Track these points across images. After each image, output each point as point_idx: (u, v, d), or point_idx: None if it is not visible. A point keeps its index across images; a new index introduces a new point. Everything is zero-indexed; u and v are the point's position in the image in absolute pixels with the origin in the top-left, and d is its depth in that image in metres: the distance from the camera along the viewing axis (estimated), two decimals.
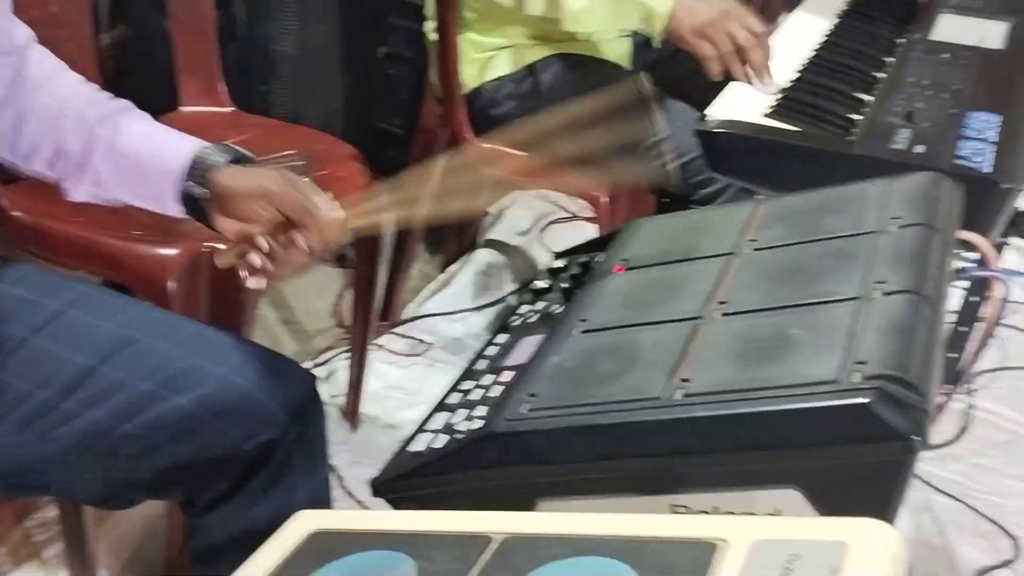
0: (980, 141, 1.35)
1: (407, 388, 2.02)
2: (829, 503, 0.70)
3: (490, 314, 2.25)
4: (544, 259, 2.35)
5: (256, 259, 1.00)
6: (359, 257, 1.87)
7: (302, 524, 0.75)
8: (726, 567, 0.61)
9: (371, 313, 1.93)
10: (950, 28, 1.80)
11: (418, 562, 0.68)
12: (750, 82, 1.61)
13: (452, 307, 2.27)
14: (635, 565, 0.63)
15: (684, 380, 0.76)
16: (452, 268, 2.45)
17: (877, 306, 0.78)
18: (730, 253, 0.94)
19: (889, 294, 0.79)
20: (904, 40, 1.76)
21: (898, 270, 0.82)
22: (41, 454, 0.99)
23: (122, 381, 1.00)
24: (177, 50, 1.78)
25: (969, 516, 1.77)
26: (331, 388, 1.97)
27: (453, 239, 2.50)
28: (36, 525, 1.65)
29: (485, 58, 1.89)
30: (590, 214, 1.99)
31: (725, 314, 0.84)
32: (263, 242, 0.99)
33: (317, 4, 2.19)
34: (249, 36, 2.12)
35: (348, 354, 1.95)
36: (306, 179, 1.05)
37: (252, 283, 1.05)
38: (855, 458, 0.69)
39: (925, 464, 2.02)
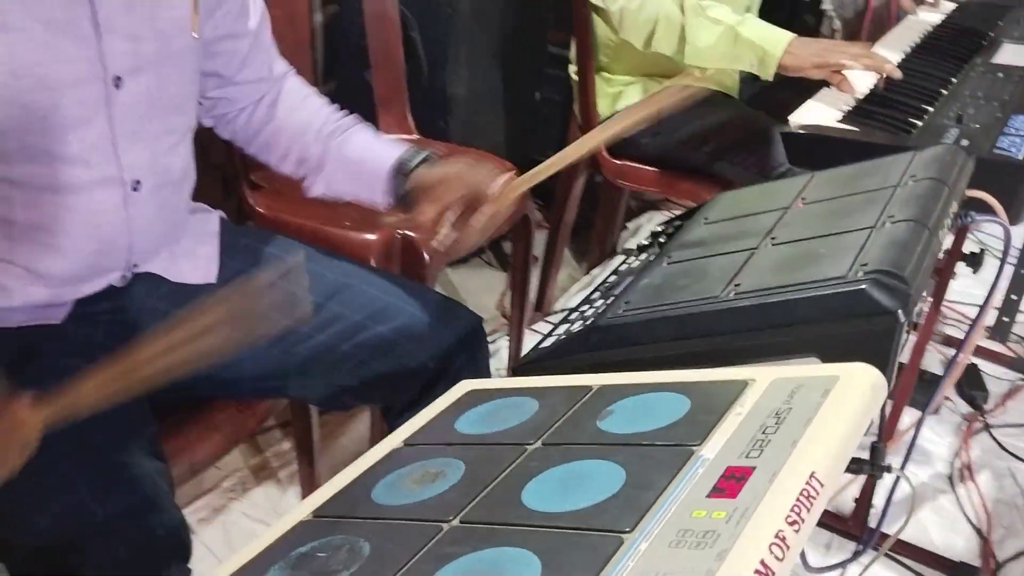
0: (1018, 137, 1.43)
1: None
2: None
3: None
4: None
5: (449, 232, 1.12)
6: (515, 263, 2.07)
7: (463, 387, 0.94)
8: (750, 395, 0.76)
9: (526, 305, 2.13)
10: (1010, 54, 1.87)
11: (539, 402, 0.86)
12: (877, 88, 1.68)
13: None
14: (688, 395, 0.79)
15: (736, 285, 0.92)
16: (594, 271, 2.64)
17: (885, 230, 0.93)
18: (785, 207, 1.09)
19: (896, 222, 0.93)
20: (968, 64, 1.85)
21: (906, 208, 0.96)
22: (284, 365, 1.18)
23: (340, 314, 1.19)
24: (376, 92, 2.02)
25: None
26: (496, 363, 2.17)
27: (596, 248, 2.68)
28: (272, 455, 1.91)
29: (616, 92, 2.05)
30: None
31: (774, 244, 0.99)
32: (452, 213, 1.11)
33: (484, 58, 2.38)
34: (431, 82, 2.33)
35: (509, 337, 2.16)
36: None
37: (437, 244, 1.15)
38: (858, 329, 0.83)
39: (1009, 437, 2.07)
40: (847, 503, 1.76)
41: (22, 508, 0.93)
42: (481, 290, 2.50)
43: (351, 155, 1.23)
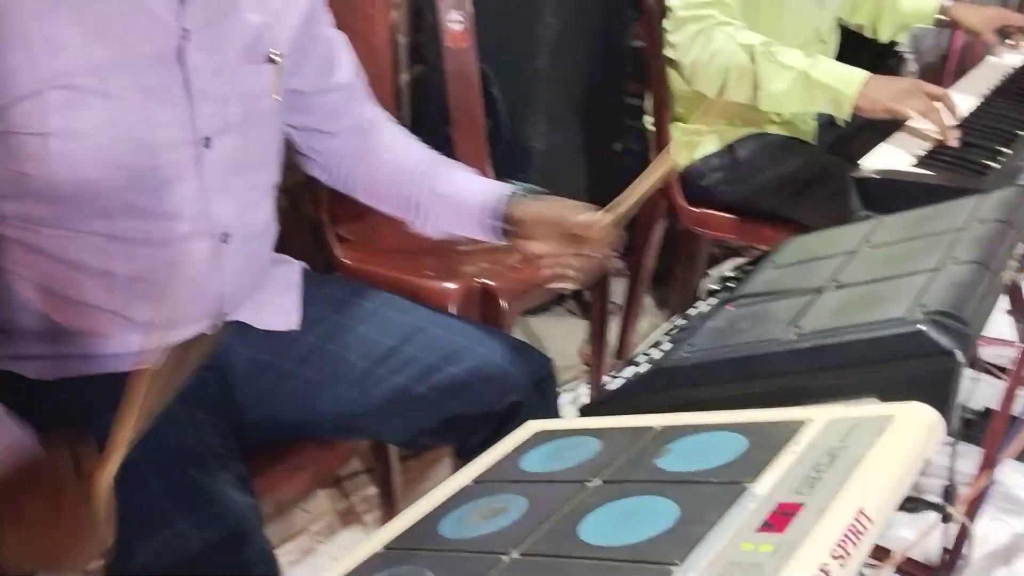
0: None
1: None
2: None
3: None
4: None
5: (551, 271, 1.17)
6: (593, 311, 2.10)
7: (530, 427, 0.98)
8: (806, 434, 0.77)
9: (604, 351, 2.15)
10: None
11: (602, 441, 0.88)
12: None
13: None
14: (746, 435, 0.80)
15: (798, 327, 0.93)
16: (675, 319, 2.64)
17: (947, 272, 0.93)
18: (852, 251, 1.10)
19: (958, 264, 0.94)
20: None
21: (969, 250, 0.96)
22: (362, 406, 1.23)
23: (415, 356, 1.23)
24: (457, 148, 2.07)
25: None
26: (575, 409, 2.19)
27: (677, 296, 2.69)
28: (359, 500, 1.96)
29: (693, 142, 2.08)
30: None
31: (837, 287, 1.00)
32: (553, 255, 1.16)
33: (563, 112, 2.44)
34: (511, 137, 2.40)
35: (589, 384, 2.18)
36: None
37: (556, 285, 1.21)
38: (916, 370, 0.83)
39: None
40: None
41: (123, 541, 0.98)
42: (563, 338, 2.53)
43: (449, 191, 1.28)
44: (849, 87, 1.73)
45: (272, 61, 1.14)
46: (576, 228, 1.16)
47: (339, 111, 1.30)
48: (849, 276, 1.02)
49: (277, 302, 1.25)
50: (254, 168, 1.17)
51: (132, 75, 1.02)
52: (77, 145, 0.99)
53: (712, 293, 1.23)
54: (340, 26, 1.87)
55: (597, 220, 1.16)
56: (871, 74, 1.73)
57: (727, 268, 3.07)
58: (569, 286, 1.20)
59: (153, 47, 1.03)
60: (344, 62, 1.29)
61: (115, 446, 0.83)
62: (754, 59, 1.78)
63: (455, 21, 1.95)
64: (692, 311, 1.20)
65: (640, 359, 1.08)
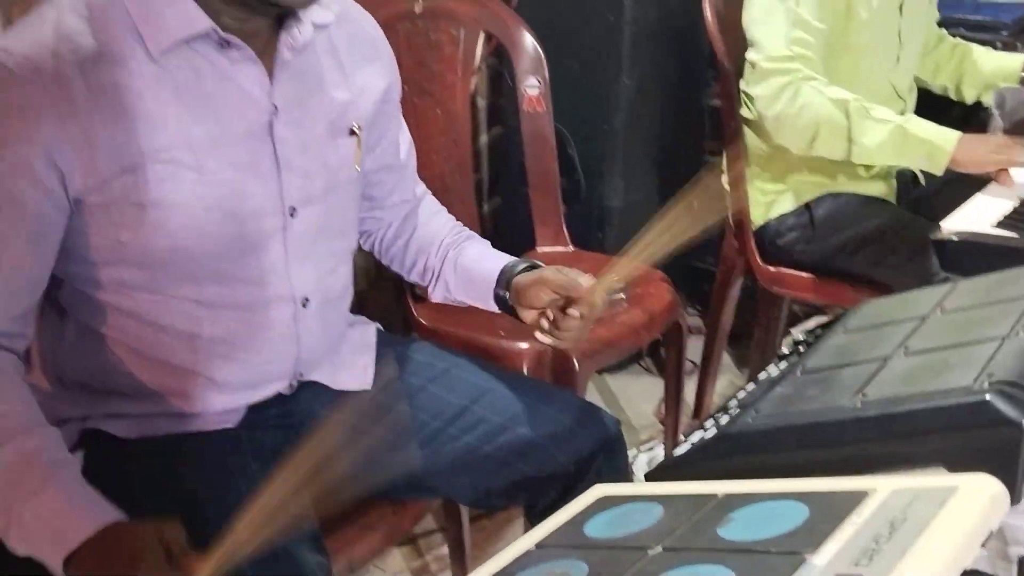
0: None
1: None
2: None
3: None
4: None
5: (545, 332, 1.23)
6: (668, 369, 2.11)
7: (595, 492, 0.99)
8: (869, 504, 0.77)
9: (681, 410, 2.15)
10: None
11: (665, 508, 0.89)
12: None
13: None
14: (808, 504, 0.81)
15: (864, 395, 0.93)
16: (747, 385, 2.61)
17: (1017, 340, 0.92)
18: (923, 316, 1.10)
19: None
20: None
21: None
22: (433, 465, 1.26)
23: (484, 416, 1.27)
24: (534, 208, 2.13)
25: None
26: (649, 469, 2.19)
27: (757, 354, 2.66)
28: (432, 559, 1.99)
29: (769, 200, 2.08)
30: None
31: (906, 354, 1.00)
32: (549, 314, 1.22)
33: (640, 171, 2.48)
34: (588, 196, 2.44)
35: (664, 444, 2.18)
36: (618, 296, 1.29)
37: (544, 340, 1.26)
38: (982, 440, 0.83)
39: None
40: None
41: None
42: (639, 397, 2.53)
43: (464, 265, 1.36)
44: (946, 142, 1.75)
45: (354, 134, 1.20)
46: (568, 291, 1.21)
47: (393, 187, 1.37)
48: (919, 343, 1.02)
49: (352, 363, 1.30)
50: (334, 235, 1.23)
51: (225, 150, 1.08)
52: (172, 215, 1.06)
53: (782, 357, 1.24)
54: (420, 93, 1.95)
55: (587, 283, 1.21)
56: (964, 133, 1.75)
57: (810, 325, 3.03)
58: (561, 345, 1.25)
59: (245, 124, 1.10)
60: (405, 142, 1.37)
61: (222, 552, 0.87)
62: (848, 114, 1.79)
63: (532, 86, 2.00)
64: (762, 375, 1.20)
65: (708, 423, 1.08)
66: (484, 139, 2.67)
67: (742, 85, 1.96)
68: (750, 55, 1.90)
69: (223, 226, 1.09)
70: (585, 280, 1.23)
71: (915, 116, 1.80)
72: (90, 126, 1.01)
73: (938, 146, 1.74)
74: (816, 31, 1.84)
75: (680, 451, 1.04)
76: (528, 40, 2.01)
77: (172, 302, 1.11)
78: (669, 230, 1.26)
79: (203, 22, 1.04)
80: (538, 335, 1.26)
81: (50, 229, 1.05)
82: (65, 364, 1.16)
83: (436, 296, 1.41)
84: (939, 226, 1.55)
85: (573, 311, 1.20)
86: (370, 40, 1.26)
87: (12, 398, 1.04)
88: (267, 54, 1.11)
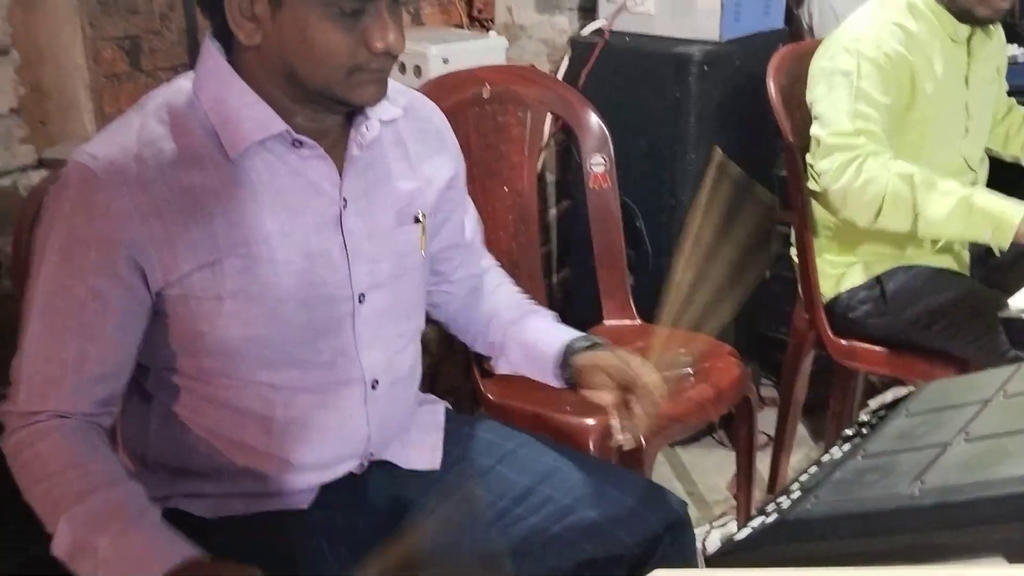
0: None
1: None
2: None
3: None
4: None
5: (613, 422, 1.25)
6: (739, 444, 2.11)
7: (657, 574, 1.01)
8: None
9: (753, 485, 2.14)
10: None
11: None
12: None
13: None
14: None
15: (922, 482, 0.94)
16: (833, 451, 2.58)
17: None
18: (986, 400, 1.10)
19: None
20: None
21: None
22: (500, 545, 1.28)
23: (551, 497, 1.29)
24: (600, 282, 2.16)
25: None
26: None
27: (833, 427, 2.64)
28: None
29: (839, 273, 2.09)
30: None
31: (967, 440, 1.01)
32: (611, 407, 1.25)
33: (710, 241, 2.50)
34: (656, 268, 2.47)
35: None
36: (685, 370, 1.32)
37: (617, 440, 1.27)
38: None
39: None
40: None
41: None
42: (712, 470, 2.52)
43: (527, 339, 1.40)
44: (1013, 215, 1.74)
45: (419, 221, 1.27)
46: (623, 378, 1.23)
47: (460, 263, 1.43)
48: (980, 428, 1.03)
49: (421, 443, 1.34)
50: (402, 317, 1.28)
51: (297, 241, 1.15)
52: (248, 305, 1.13)
53: (846, 439, 1.25)
54: (489, 174, 2.03)
55: (641, 368, 1.23)
56: None
57: (887, 397, 3.00)
58: (625, 444, 1.26)
59: (317, 216, 1.17)
60: (471, 219, 1.43)
61: None
62: (913, 187, 1.80)
63: (597, 164, 2.06)
64: (825, 457, 1.21)
65: (770, 507, 1.10)
66: (553, 212, 2.73)
67: (808, 159, 1.99)
68: (814, 130, 1.93)
69: (296, 314, 1.16)
70: (642, 368, 1.25)
71: (983, 188, 1.80)
72: (171, 225, 1.09)
73: (1004, 220, 1.74)
74: (880, 105, 1.87)
75: (740, 536, 1.06)
76: (593, 119, 2.07)
77: (248, 387, 1.17)
78: (712, 290, 1.29)
79: (277, 124, 1.12)
80: (612, 422, 1.27)
81: (132, 321, 1.13)
82: (148, 446, 1.23)
83: (501, 368, 1.45)
84: (1007, 303, 1.54)
85: (636, 408, 1.23)
86: (436, 131, 1.33)
87: (99, 456, 1.11)
88: (337, 150, 1.18)
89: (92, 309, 1.11)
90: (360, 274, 1.21)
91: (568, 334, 1.36)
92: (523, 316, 1.43)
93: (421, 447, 1.34)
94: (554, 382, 1.36)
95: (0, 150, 1.69)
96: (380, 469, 1.29)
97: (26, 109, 1.72)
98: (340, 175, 1.18)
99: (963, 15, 1.96)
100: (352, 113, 1.18)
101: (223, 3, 1.08)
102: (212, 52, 1.13)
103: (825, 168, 1.89)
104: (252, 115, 1.11)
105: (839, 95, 1.88)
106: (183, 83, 1.16)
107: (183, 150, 1.11)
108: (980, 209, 1.78)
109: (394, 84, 1.20)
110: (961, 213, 1.79)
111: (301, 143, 1.14)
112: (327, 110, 1.15)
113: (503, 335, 1.42)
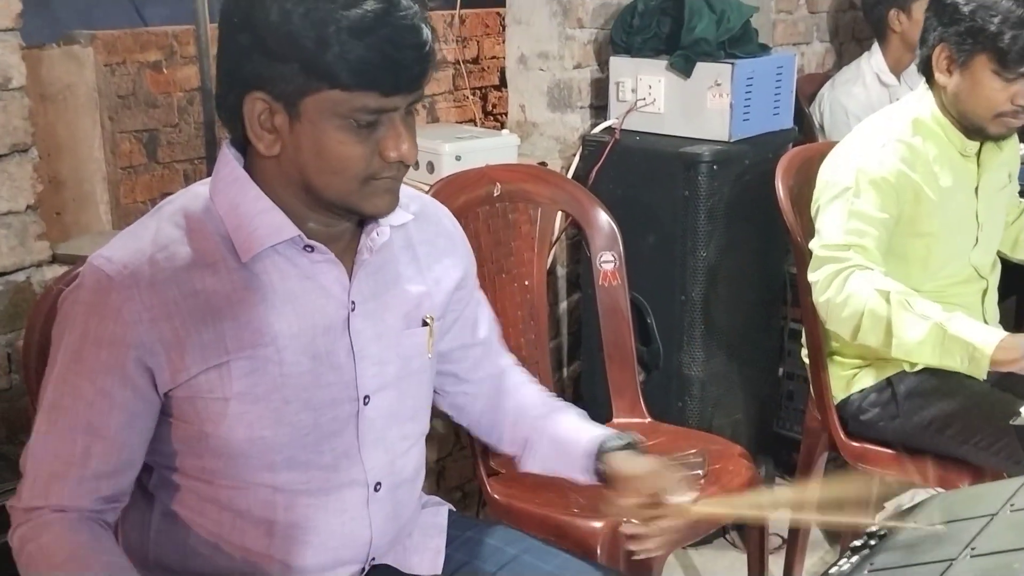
0: None
1: None
2: None
3: None
4: None
5: (630, 529, 1.26)
6: (750, 546, 2.09)
7: None
8: None
9: None
10: None
11: None
12: None
13: None
14: None
15: None
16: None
17: None
18: (992, 514, 1.11)
19: None
20: None
21: None
22: None
23: None
24: (610, 379, 2.16)
25: None
26: None
27: (848, 532, 2.60)
28: None
29: (850, 375, 2.08)
30: None
31: (972, 556, 1.01)
32: (633, 515, 1.26)
33: (721, 340, 2.50)
34: (667, 365, 2.48)
35: None
36: (695, 471, 1.33)
37: (635, 547, 1.29)
38: None
39: None
40: None
41: None
42: (724, 572, 2.50)
43: (559, 434, 1.40)
44: (986, 345, 1.73)
45: (426, 324, 1.29)
46: (651, 495, 1.25)
47: (477, 362, 1.44)
48: (986, 544, 1.03)
49: (423, 546, 1.35)
50: (406, 419, 1.30)
51: (305, 343, 1.18)
52: (253, 406, 1.16)
53: (855, 551, 1.25)
54: (499, 271, 2.06)
55: (676, 496, 1.24)
56: (1008, 334, 1.74)
57: (908, 500, 2.98)
58: (646, 552, 1.28)
59: (324, 319, 1.20)
60: (485, 318, 1.45)
61: None
62: (889, 305, 1.79)
63: (607, 261, 2.09)
64: (833, 570, 1.21)
65: None
66: (563, 306, 2.76)
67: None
68: (812, 241, 1.96)
69: (300, 415, 1.18)
70: (672, 482, 1.26)
71: (961, 315, 1.79)
72: (181, 327, 1.12)
73: (978, 348, 1.72)
74: (876, 221, 1.88)
75: None
76: (603, 217, 2.11)
77: (250, 489, 1.19)
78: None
79: (290, 230, 1.16)
80: (624, 528, 1.28)
81: (139, 421, 1.15)
82: (149, 546, 1.24)
83: (526, 466, 1.44)
84: (1020, 411, 1.55)
85: (664, 523, 1.24)
86: (446, 235, 1.37)
87: (102, 548, 1.13)
88: (347, 253, 1.22)
89: (99, 408, 1.13)
90: (366, 376, 1.23)
91: (601, 429, 1.38)
92: (552, 412, 1.44)
93: (423, 551, 1.35)
94: (583, 478, 1.36)
95: (16, 246, 1.74)
96: (380, 574, 1.30)
97: (42, 200, 1.77)
98: (349, 278, 1.21)
99: (974, 132, 1.97)
100: (364, 220, 1.22)
101: (243, 115, 1.12)
102: (229, 159, 1.18)
103: (814, 280, 1.91)
104: (266, 221, 1.15)
105: (836, 210, 1.91)
106: (200, 189, 1.20)
107: (197, 254, 1.15)
108: (953, 337, 1.75)
109: (406, 189, 1.24)
110: (935, 339, 1.77)
111: (312, 248, 1.18)
112: (340, 217, 1.19)
113: (531, 431, 1.43)
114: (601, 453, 1.33)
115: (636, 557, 1.29)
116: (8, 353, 1.76)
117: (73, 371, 1.13)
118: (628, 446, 1.33)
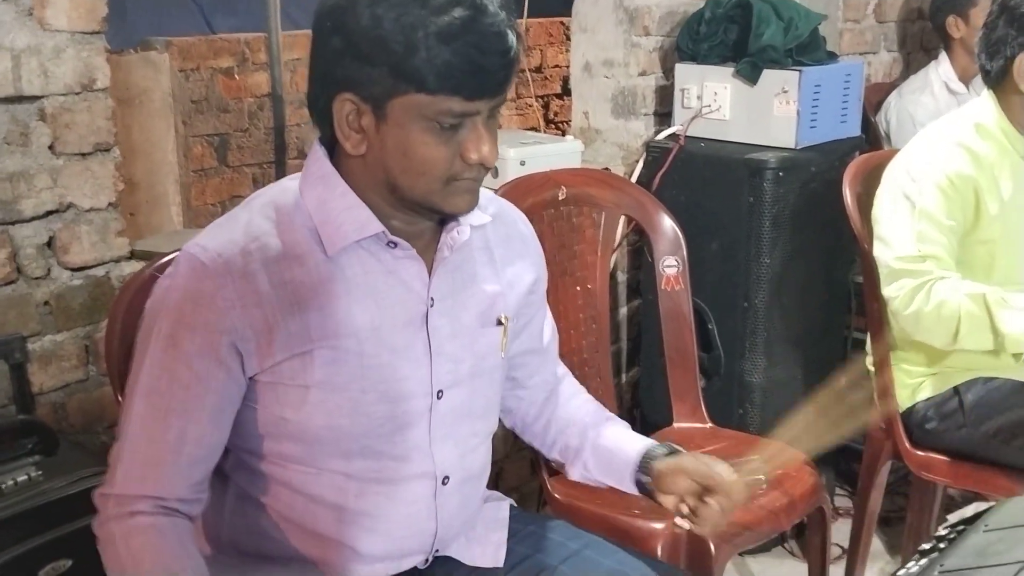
0: None
1: None
2: None
3: None
4: None
5: (684, 518, 1.30)
6: (810, 555, 2.07)
7: None
8: None
9: None
10: None
11: None
12: None
13: None
14: None
15: None
16: (909, 566, 2.51)
17: None
18: None
19: None
20: None
21: None
22: None
23: None
24: (671, 384, 2.16)
25: None
26: None
27: (909, 541, 2.57)
28: None
29: (916, 383, 2.06)
30: None
31: None
32: (686, 505, 1.29)
33: (783, 347, 2.48)
34: (729, 371, 2.47)
35: None
36: (757, 477, 1.33)
37: (683, 525, 1.34)
38: None
39: None
40: None
41: None
42: None
43: (604, 446, 1.43)
44: None
45: (500, 324, 1.31)
46: (707, 481, 1.27)
47: (535, 369, 1.47)
48: None
49: (485, 540, 1.37)
50: (477, 417, 1.32)
51: (384, 336, 1.21)
52: (333, 395, 1.18)
53: (923, 554, 1.23)
54: (561, 273, 2.07)
55: (728, 474, 1.27)
56: None
57: (968, 512, 2.91)
58: (699, 531, 1.33)
59: (404, 313, 1.23)
60: (548, 326, 1.47)
61: None
62: (988, 305, 1.80)
63: (670, 266, 2.09)
64: (901, 572, 1.20)
65: None
66: (623, 311, 2.76)
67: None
68: (878, 252, 1.94)
69: (376, 406, 1.21)
70: (725, 470, 1.28)
71: None
72: (270, 315, 1.16)
73: None
74: (944, 227, 1.87)
75: None
76: (667, 222, 2.11)
77: (323, 475, 1.22)
78: (817, 421, 1.33)
79: (375, 226, 1.19)
80: (677, 520, 1.31)
81: (228, 404, 1.19)
82: (223, 529, 1.28)
83: (574, 475, 1.47)
84: None
85: (712, 501, 1.26)
86: (521, 238, 1.39)
87: (187, 564, 1.15)
88: (428, 251, 1.25)
89: (195, 392, 1.16)
90: (440, 371, 1.25)
91: (648, 441, 1.40)
92: (601, 422, 1.46)
93: (486, 544, 1.36)
94: (629, 488, 1.39)
95: (97, 241, 1.79)
96: (443, 565, 1.32)
97: (119, 201, 1.83)
98: (429, 275, 1.24)
99: None
100: (445, 219, 1.24)
101: (332, 115, 1.15)
102: (319, 156, 1.21)
103: (893, 294, 1.90)
104: (352, 217, 1.18)
105: (902, 218, 1.90)
106: (289, 183, 1.24)
107: (286, 246, 1.18)
108: None
109: (485, 192, 1.27)
110: None
111: (395, 244, 1.20)
112: (421, 216, 1.21)
113: (581, 440, 1.45)
114: (646, 462, 1.35)
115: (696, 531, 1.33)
116: (86, 345, 1.81)
117: (170, 355, 1.16)
118: (673, 453, 1.36)
